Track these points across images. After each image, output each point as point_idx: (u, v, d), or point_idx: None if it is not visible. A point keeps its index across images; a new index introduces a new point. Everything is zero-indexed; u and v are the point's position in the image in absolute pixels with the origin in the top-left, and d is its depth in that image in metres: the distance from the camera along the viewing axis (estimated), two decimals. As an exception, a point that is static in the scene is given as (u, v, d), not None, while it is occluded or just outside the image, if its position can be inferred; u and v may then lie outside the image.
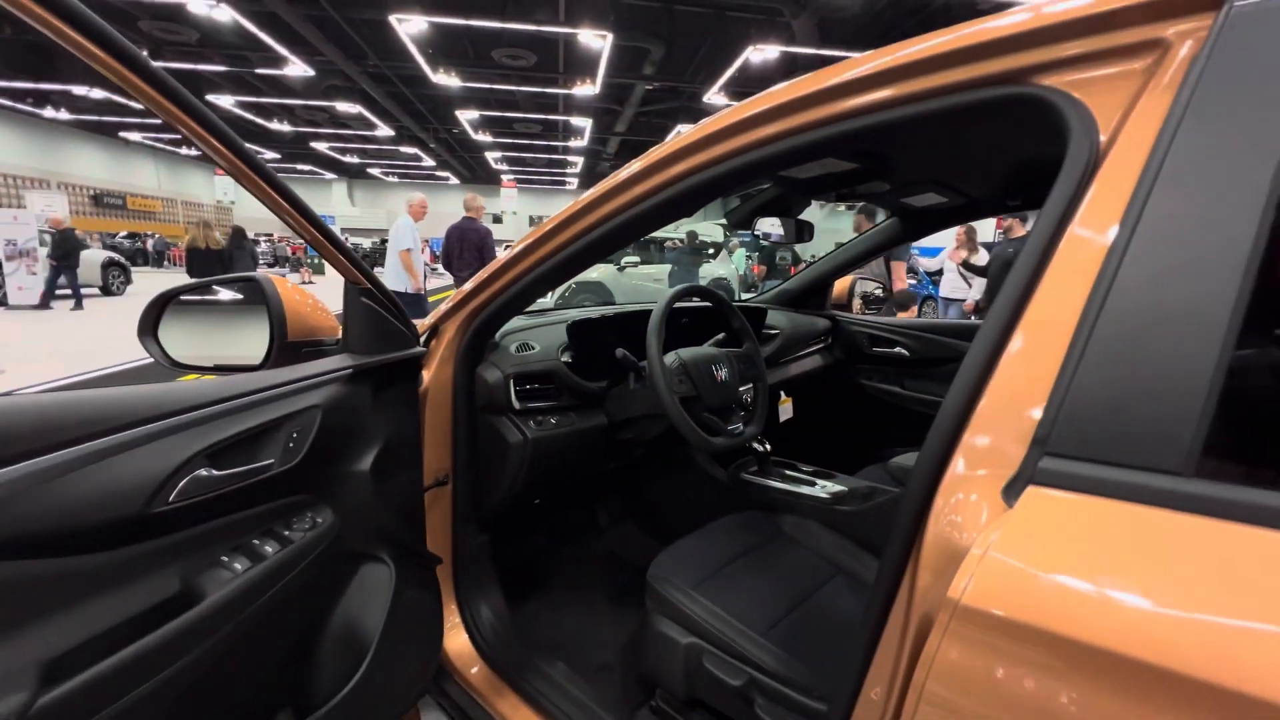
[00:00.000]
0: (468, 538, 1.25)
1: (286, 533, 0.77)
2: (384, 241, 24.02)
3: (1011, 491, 0.46)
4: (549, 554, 1.72)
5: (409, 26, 9.68)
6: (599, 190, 0.94)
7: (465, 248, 5.22)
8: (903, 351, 1.94)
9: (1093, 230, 0.48)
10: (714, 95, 12.51)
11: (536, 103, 15.18)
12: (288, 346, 0.92)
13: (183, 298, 0.94)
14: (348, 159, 24.49)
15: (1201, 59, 0.47)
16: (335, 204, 28.63)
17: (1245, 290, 0.40)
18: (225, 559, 0.70)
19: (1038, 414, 0.46)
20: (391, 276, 5.25)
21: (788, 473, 1.50)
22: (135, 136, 21.89)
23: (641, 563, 1.63)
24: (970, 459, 0.49)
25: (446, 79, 12.09)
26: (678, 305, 1.31)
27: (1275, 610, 0.34)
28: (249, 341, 0.95)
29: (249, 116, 17.05)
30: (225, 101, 15.30)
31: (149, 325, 0.91)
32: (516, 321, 1.38)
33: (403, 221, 5.18)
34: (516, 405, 1.20)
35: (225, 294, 1.00)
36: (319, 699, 0.83)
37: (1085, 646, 0.37)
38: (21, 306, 9.16)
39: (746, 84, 12.29)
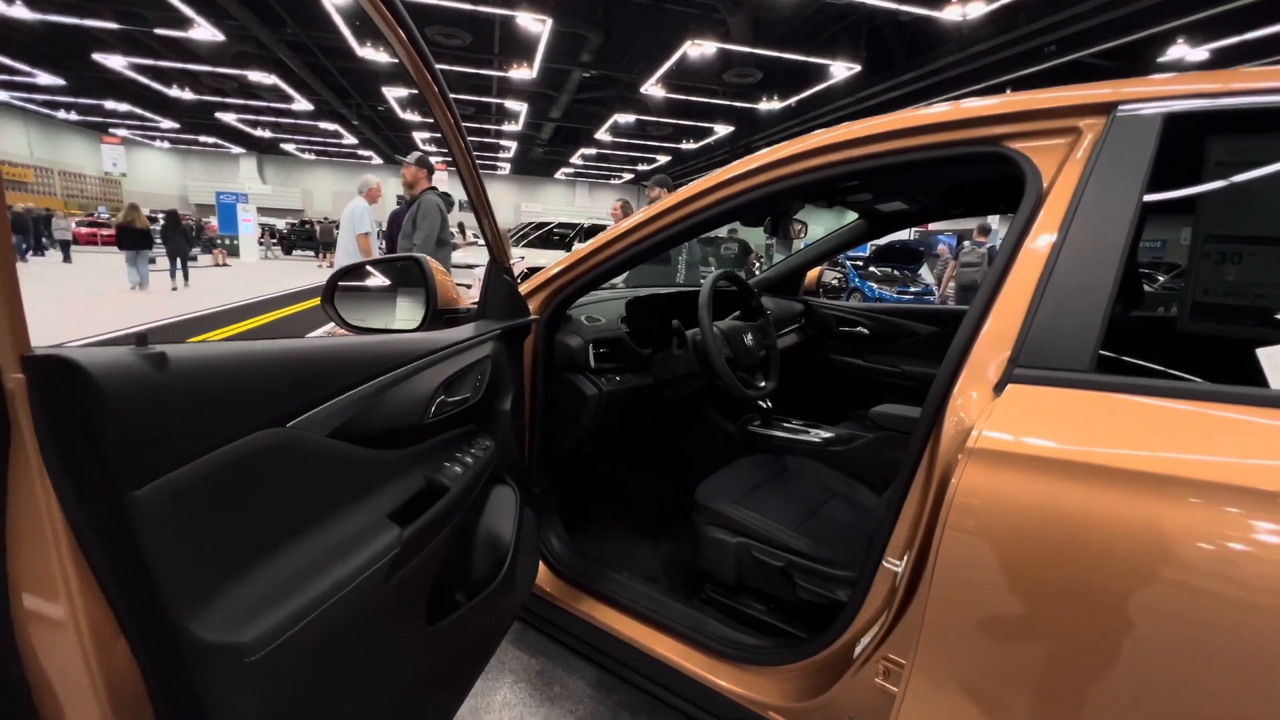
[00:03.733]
0: (540, 478, 1.51)
1: (473, 450, 1.02)
2: (304, 224, 22.52)
3: (999, 388, 0.80)
4: (586, 498, 1.99)
5: (336, -4, 9.26)
6: (670, 201, 1.24)
7: None
8: (863, 330, 2.35)
9: (1040, 240, 0.84)
10: (651, 86, 12.76)
11: (469, 84, 14.83)
12: (438, 314, 1.15)
13: (347, 276, 1.15)
14: (258, 133, 22.67)
15: (1100, 143, 0.83)
16: (244, 181, 26.52)
17: (1119, 274, 0.76)
18: (447, 465, 0.94)
19: (1012, 342, 0.81)
20: (345, 260, 5.22)
21: (784, 425, 1.86)
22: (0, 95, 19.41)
23: (658, 506, 1.94)
24: (974, 370, 0.83)
25: (373, 53, 11.61)
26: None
27: (1127, 434, 0.70)
28: (394, 309, 1.17)
29: (144, 80, 15.55)
30: (117, 63, 13.93)
31: (329, 296, 1.11)
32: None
33: (358, 205, 5.15)
34: (593, 364, 1.48)
35: (382, 271, 1.21)
36: (476, 586, 1.09)
37: (1044, 459, 0.72)
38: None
39: (683, 77, 12.63)
